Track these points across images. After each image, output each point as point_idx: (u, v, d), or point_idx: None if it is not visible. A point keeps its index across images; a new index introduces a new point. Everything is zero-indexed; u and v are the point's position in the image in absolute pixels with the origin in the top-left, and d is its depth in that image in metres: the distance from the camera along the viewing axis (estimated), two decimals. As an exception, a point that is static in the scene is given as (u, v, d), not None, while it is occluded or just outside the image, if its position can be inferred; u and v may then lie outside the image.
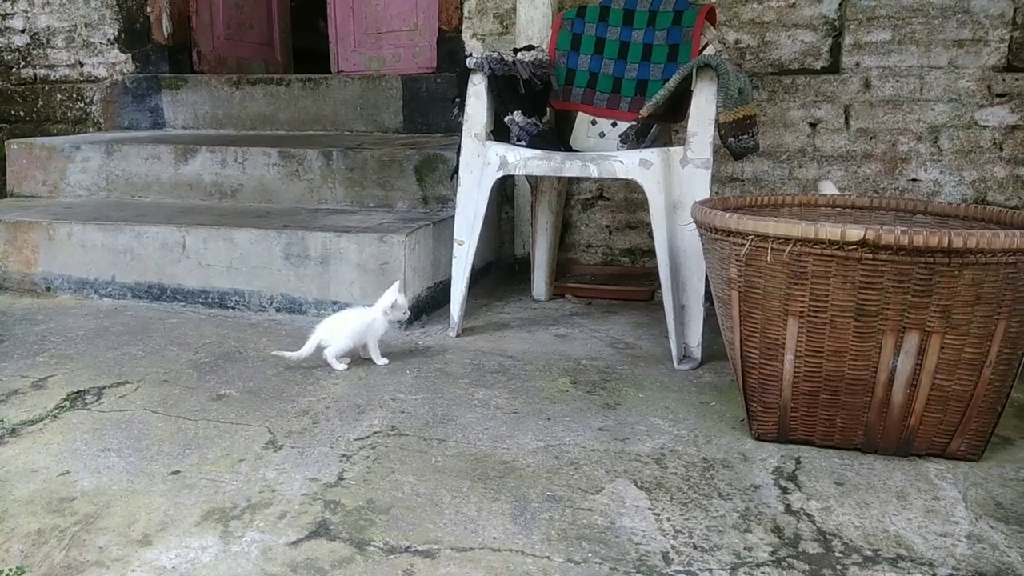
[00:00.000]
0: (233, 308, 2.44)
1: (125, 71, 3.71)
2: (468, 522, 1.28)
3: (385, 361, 2.01)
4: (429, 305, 2.45)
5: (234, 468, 1.45)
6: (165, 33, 3.65)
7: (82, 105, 3.81)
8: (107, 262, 2.54)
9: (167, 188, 2.95)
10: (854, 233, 1.37)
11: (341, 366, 1.97)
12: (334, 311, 2.33)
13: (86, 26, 3.74)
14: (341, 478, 1.42)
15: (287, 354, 1.95)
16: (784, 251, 1.44)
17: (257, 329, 2.27)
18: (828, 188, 2.18)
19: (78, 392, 1.81)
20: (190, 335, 2.21)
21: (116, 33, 3.71)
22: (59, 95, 3.83)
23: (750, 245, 1.48)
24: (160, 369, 1.95)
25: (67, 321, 2.33)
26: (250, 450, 1.53)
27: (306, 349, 1.94)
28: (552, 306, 2.61)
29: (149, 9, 3.64)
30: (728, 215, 1.51)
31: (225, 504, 1.33)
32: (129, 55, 3.71)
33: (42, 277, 2.61)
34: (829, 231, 1.39)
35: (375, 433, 1.61)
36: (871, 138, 2.78)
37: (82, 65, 3.78)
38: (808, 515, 1.31)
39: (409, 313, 2.08)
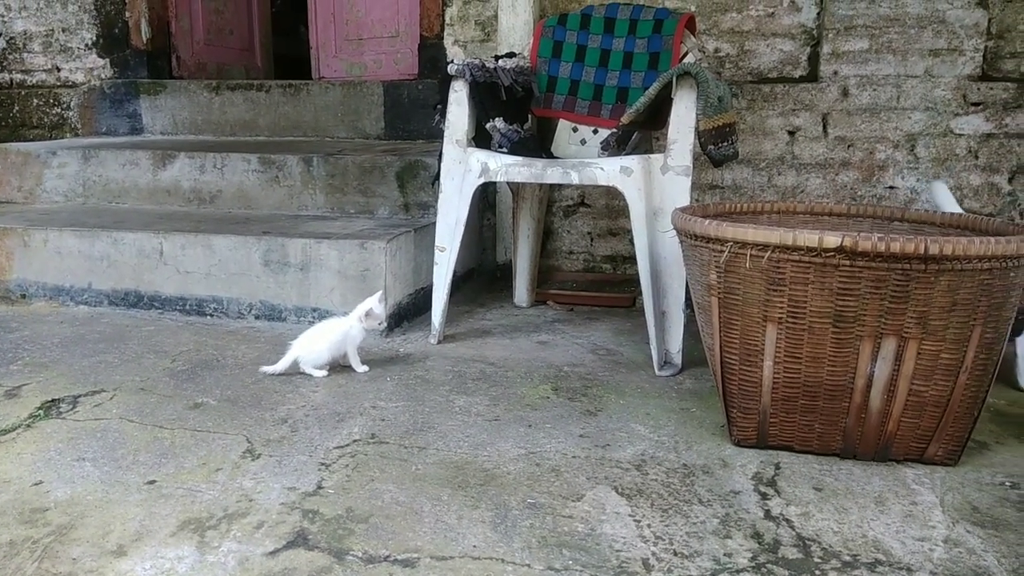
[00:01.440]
0: (211, 315, 2.42)
1: (103, 76, 3.68)
2: (448, 530, 1.27)
3: (365, 368, 2.00)
4: (410, 312, 2.44)
5: (211, 477, 1.44)
6: (144, 38, 3.62)
7: (59, 110, 3.77)
8: (83, 269, 2.51)
9: (145, 194, 2.92)
10: (832, 240, 1.38)
11: (320, 373, 1.96)
12: (314, 318, 2.32)
13: (64, 31, 3.70)
14: (320, 487, 1.41)
15: (265, 368, 1.95)
16: (763, 258, 1.45)
17: (236, 336, 2.25)
18: (942, 190, 2.14)
19: (52, 401, 1.78)
20: (167, 343, 2.19)
21: (94, 38, 3.67)
22: (36, 100, 3.79)
23: (729, 252, 1.48)
24: (136, 377, 1.93)
25: (42, 329, 2.30)
26: (227, 459, 1.51)
27: (282, 364, 1.94)
28: (534, 313, 2.61)
29: (128, 14, 3.61)
30: (708, 222, 1.51)
31: (202, 514, 1.31)
32: (107, 60, 3.67)
33: (17, 284, 2.57)
34: (807, 238, 1.40)
35: (355, 441, 1.60)
36: (849, 146, 2.81)
37: (59, 70, 3.74)
38: (787, 521, 1.32)
39: (386, 324, 2.06)
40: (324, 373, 1.96)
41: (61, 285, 2.54)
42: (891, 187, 2.80)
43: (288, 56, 4.86)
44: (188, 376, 1.94)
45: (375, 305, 2.00)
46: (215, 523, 1.28)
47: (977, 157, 2.73)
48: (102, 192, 2.97)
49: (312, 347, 1.96)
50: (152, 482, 1.42)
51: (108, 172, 2.95)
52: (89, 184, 2.98)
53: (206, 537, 1.24)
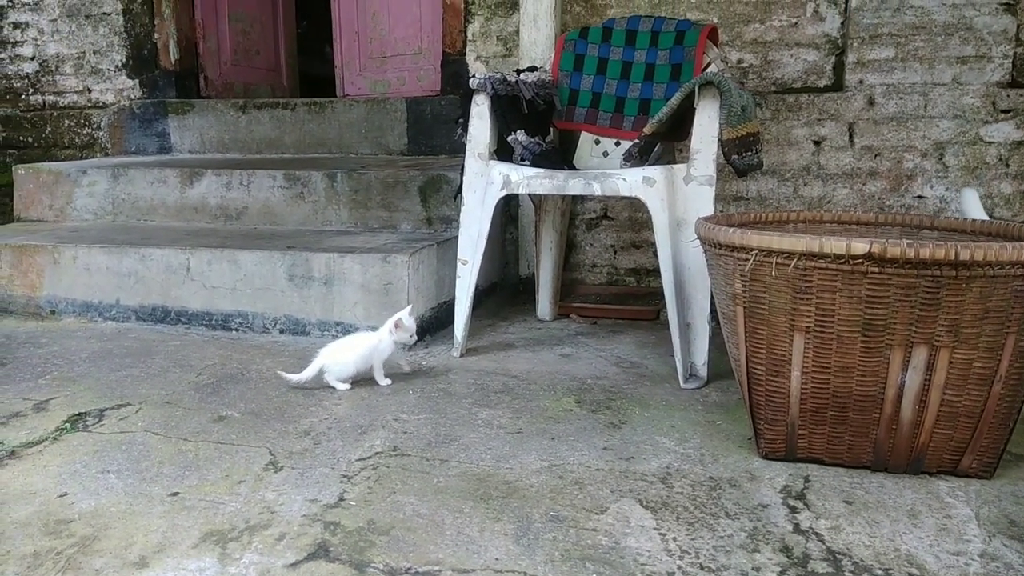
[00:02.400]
0: (237, 330, 2.44)
1: (132, 97, 3.75)
2: (470, 543, 1.26)
3: (388, 382, 1.99)
4: (433, 325, 2.44)
5: (233, 489, 1.44)
6: (172, 59, 3.69)
7: (89, 131, 3.84)
8: (112, 285, 2.54)
9: (173, 211, 2.96)
10: (859, 247, 1.36)
11: (343, 386, 1.96)
12: (338, 332, 2.33)
13: (94, 53, 3.78)
14: (341, 499, 1.40)
15: (289, 375, 1.94)
16: (789, 266, 1.42)
17: (260, 351, 2.27)
18: (972, 197, 2.09)
19: (79, 414, 1.80)
20: (193, 357, 2.20)
21: (124, 59, 3.75)
22: (67, 121, 3.87)
23: (754, 260, 1.46)
24: (162, 391, 1.94)
25: (70, 344, 2.33)
26: (250, 471, 1.51)
27: (308, 372, 1.94)
28: (557, 326, 2.60)
29: (157, 36, 3.68)
30: (732, 230, 1.49)
31: (224, 526, 1.31)
32: (136, 81, 3.75)
33: (47, 300, 2.61)
34: (834, 245, 1.37)
35: (377, 453, 1.59)
36: (876, 155, 2.77)
37: (90, 91, 3.82)
38: (817, 534, 1.28)
39: (416, 337, 2.05)
40: (347, 387, 1.96)
41: (90, 301, 2.57)
42: (920, 196, 2.76)
43: (314, 75, 4.92)
44: (213, 390, 1.95)
45: (405, 318, 1.99)
46: (237, 535, 1.28)
47: (1008, 165, 2.68)
48: (131, 210, 3.02)
49: (339, 357, 1.96)
50: (175, 494, 1.42)
51: (137, 190, 3.00)
52: (118, 202, 3.03)
53: (227, 549, 1.24)
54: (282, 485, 1.45)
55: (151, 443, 1.64)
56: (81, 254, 2.56)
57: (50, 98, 3.88)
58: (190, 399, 1.89)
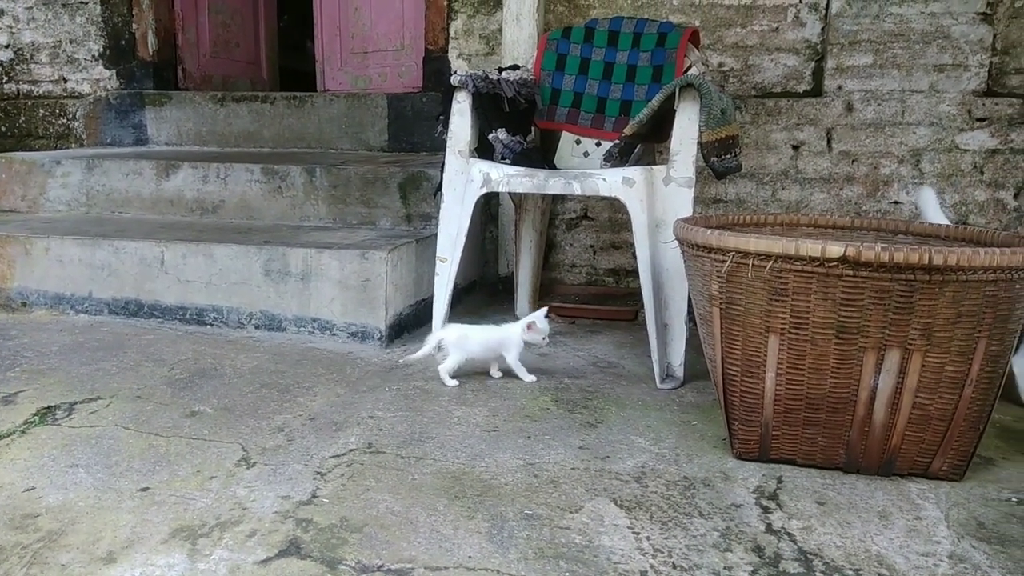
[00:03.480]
0: (211, 325, 2.41)
1: (109, 87, 3.69)
2: (443, 541, 1.25)
3: (532, 379, 1.99)
4: (411, 323, 2.43)
5: (205, 485, 1.42)
6: (150, 50, 3.64)
7: (65, 121, 3.78)
8: (84, 277, 2.51)
9: (148, 204, 2.92)
10: (834, 250, 1.37)
11: (451, 382, 1.95)
12: (314, 329, 2.31)
13: (71, 42, 3.73)
14: (314, 496, 1.39)
15: (410, 356, 2.00)
16: (765, 268, 1.43)
17: (235, 346, 2.24)
18: (929, 197, 2.11)
19: (48, 408, 1.76)
20: (166, 351, 2.18)
21: (101, 49, 3.70)
22: (42, 111, 3.81)
23: (731, 261, 1.47)
24: (134, 385, 1.91)
25: (41, 336, 2.29)
26: (222, 467, 1.49)
27: (425, 349, 1.96)
28: (535, 325, 2.59)
29: (135, 26, 3.63)
30: (709, 231, 1.50)
31: (194, 521, 1.29)
32: (113, 71, 3.69)
33: (18, 292, 2.57)
34: (810, 248, 1.38)
35: (351, 451, 1.58)
36: (853, 161, 2.80)
37: (66, 81, 3.76)
38: (789, 534, 1.29)
39: (548, 340, 2.01)
40: (455, 383, 1.95)
41: (62, 293, 2.53)
42: (896, 202, 2.79)
43: (294, 70, 4.88)
44: (185, 385, 1.93)
45: (539, 320, 1.98)
46: (207, 531, 1.26)
47: (982, 173, 2.72)
48: (105, 202, 2.97)
49: (465, 333, 1.95)
50: (145, 489, 1.40)
51: (111, 182, 2.95)
52: (92, 194, 2.98)
53: (198, 545, 1.22)
54: (254, 481, 1.44)
55: (121, 438, 1.62)
56: (54, 245, 2.52)
57: (24, 87, 3.82)
58: (162, 394, 1.86)
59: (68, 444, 1.58)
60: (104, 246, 2.48)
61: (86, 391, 1.87)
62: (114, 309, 2.49)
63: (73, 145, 3.76)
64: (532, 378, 2.00)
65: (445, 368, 1.95)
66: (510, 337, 1.98)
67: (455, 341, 1.96)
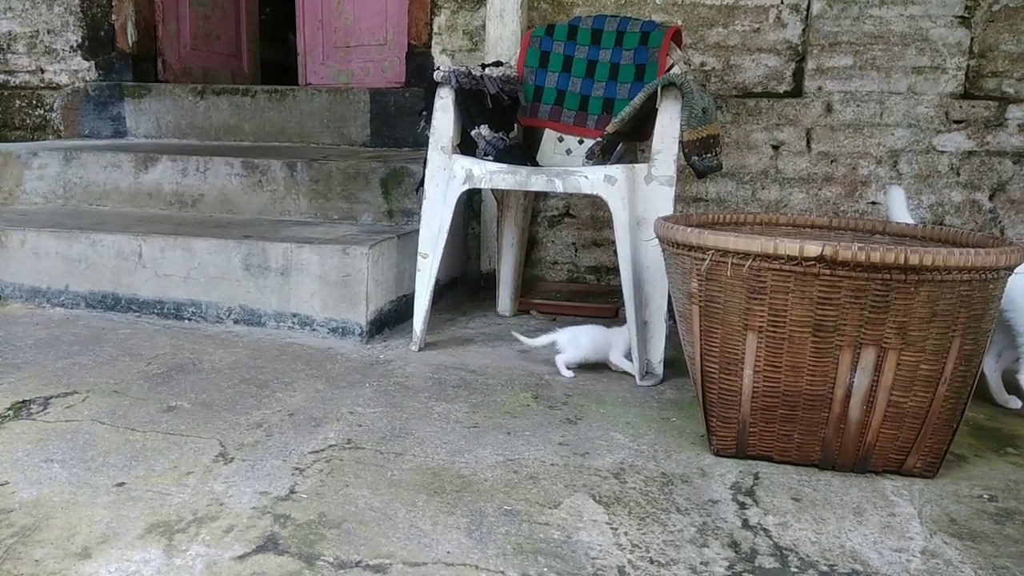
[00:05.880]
0: (189, 319, 2.39)
1: (87, 79, 3.65)
2: (422, 536, 1.25)
3: (635, 368, 2.04)
4: (392, 319, 2.42)
5: (181, 481, 1.41)
6: (130, 41, 3.60)
7: (42, 112, 3.73)
8: (61, 270, 2.48)
9: (126, 197, 2.89)
10: (812, 249, 1.38)
11: (568, 373, 2.05)
12: (294, 324, 2.30)
13: (49, 32, 3.67)
14: (293, 491, 1.38)
15: (524, 339, 2.11)
16: (744, 266, 1.44)
17: (213, 341, 2.23)
18: (897, 196, 2.13)
19: (23, 402, 1.74)
20: (143, 346, 2.16)
21: (79, 40, 3.65)
22: (18, 101, 3.75)
23: (711, 260, 1.48)
24: (110, 380, 1.90)
25: (16, 330, 2.26)
26: (199, 462, 1.48)
27: (542, 340, 2.09)
28: (517, 322, 2.60)
29: (114, 17, 3.59)
30: (690, 230, 1.51)
31: (170, 517, 1.28)
32: (92, 63, 3.65)
33: (-8, 285, 2.53)
34: (788, 247, 1.40)
35: (330, 446, 1.57)
36: (832, 161, 2.83)
37: (43, 71, 3.71)
38: (765, 530, 1.30)
39: None
40: (571, 374, 2.05)
41: (38, 287, 2.50)
42: (874, 202, 2.82)
43: (276, 64, 4.85)
44: (163, 379, 1.91)
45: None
46: (184, 526, 1.26)
47: (959, 174, 2.75)
48: (83, 194, 2.94)
49: (578, 334, 2.07)
50: (121, 484, 1.39)
51: (89, 174, 2.92)
52: (70, 186, 2.95)
53: (174, 540, 1.22)
54: (232, 477, 1.43)
55: (97, 432, 1.60)
56: (30, 238, 2.49)
57: (1, 77, 3.76)
58: (139, 388, 1.85)
59: (43, 439, 1.56)
60: (81, 239, 2.45)
61: (62, 385, 1.85)
62: (91, 303, 2.46)
63: (50, 137, 3.71)
64: (634, 368, 2.05)
65: (562, 362, 2.06)
66: (617, 336, 2.09)
67: (574, 333, 2.09)
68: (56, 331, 2.27)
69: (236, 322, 2.36)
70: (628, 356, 2.07)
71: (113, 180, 2.90)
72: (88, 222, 2.61)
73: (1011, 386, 1.89)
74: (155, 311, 2.42)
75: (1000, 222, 2.76)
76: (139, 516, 1.28)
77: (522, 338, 2.12)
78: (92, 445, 1.54)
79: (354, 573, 1.15)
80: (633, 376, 2.03)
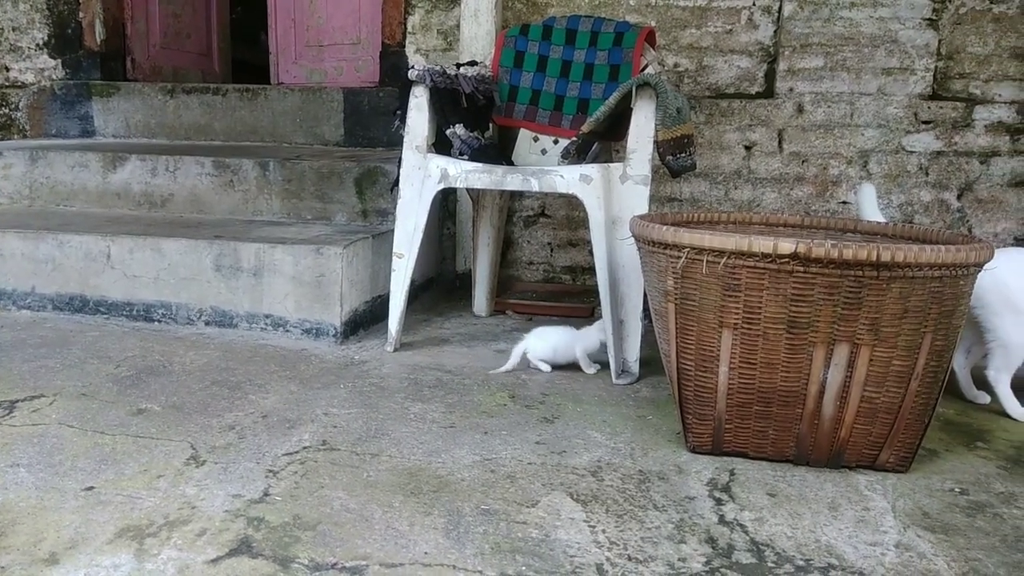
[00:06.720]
0: (159, 321, 2.35)
1: (54, 77, 3.58)
2: (399, 537, 1.24)
3: (595, 368, 2.08)
4: (367, 319, 2.40)
5: (152, 484, 1.38)
6: (98, 40, 3.53)
7: (7, 111, 3.66)
8: (27, 272, 2.42)
9: (94, 197, 2.84)
10: (786, 246, 1.39)
11: (545, 367, 2.07)
12: (267, 325, 2.28)
13: (14, 30, 3.60)
14: (266, 494, 1.36)
15: (500, 369, 2.05)
16: (719, 264, 1.45)
17: (184, 343, 2.19)
18: (868, 193, 2.12)
19: (-13, 406, 1.70)
20: (112, 348, 2.12)
21: (46, 38, 3.58)
22: (-18, 100, 3.67)
23: (686, 257, 1.48)
24: (78, 383, 1.86)
25: (-20, 333, 2.21)
26: (170, 465, 1.46)
27: (514, 358, 2.06)
28: (493, 322, 2.59)
29: (82, 14, 3.53)
30: (665, 228, 1.51)
31: (141, 521, 1.26)
32: (59, 61, 3.58)
33: (-45, 287, 2.47)
34: (762, 244, 1.41)
35: (305, 448, 1.55)
36: (803, 161, 2.86)
37: (8, 70, 3.63)
38: (741, 526, 1.31)
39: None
40: (548, 368, 2.07)
41: (3, 289, 2.45)
42: (844, 202, 2.85)
43: (248, 63, 4.79)
44: (132, 382, 1.88)
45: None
46: (155, 530, 1.23)
47: (928, 174, 2.79)
48: (49, 194, 2.88)
49: (542, 336, 2.07)
50: (90, 489, 1.36)
51: (56, 174, 2.86)
52: (36, 186, 2.89)
53: (145, 544, 1.19)
54: (204, 480, 1.41)
55: (65, 436, 1.57)
56: (-7, 239, 2.43)
57: (-37, 75, 3.68)
58: (108, 391, 1.81)
59: (8, 443, 1.52)
60: (48, 240, 2.40)
61: (28, 389, 1.81)
62: (58, 305, 2.41)
63: (16, 136, 3.63)
64: (595, 368, 2.09)
65: (536, 358, 2.07)
66: (585, 335, 2.10)
67: (539, 336, 2.08)
68: (22, 334, 2.22)
69: (207, 324, 2.33)
70: (594, 355, 2.08)
71: (81, 180, 2.84)
72: (55, 223, 2.56)
73: (980, 382, 1.92)
74: (124, 313, 2.37)
75: (968, 221, 2.80)
76: (109, 520, 1.26)
77: (499, 370, 2.05)
78: (60, 449, 1.51)
79: (330, 575, 1.13)
80: (608, 375, 2.03)
